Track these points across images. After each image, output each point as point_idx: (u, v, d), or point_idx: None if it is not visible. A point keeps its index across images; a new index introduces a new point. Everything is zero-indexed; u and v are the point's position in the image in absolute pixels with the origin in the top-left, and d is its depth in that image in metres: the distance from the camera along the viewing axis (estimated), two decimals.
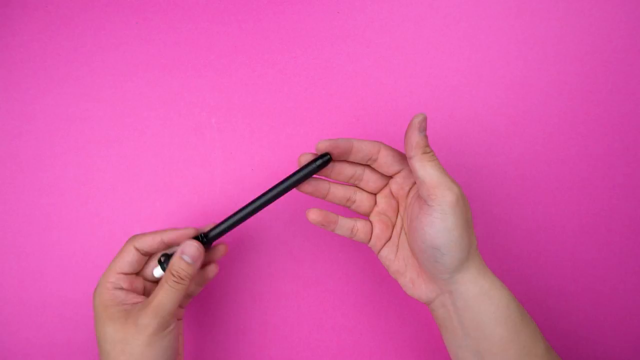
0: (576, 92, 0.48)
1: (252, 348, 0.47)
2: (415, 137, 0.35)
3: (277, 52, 0.48)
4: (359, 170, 0.40)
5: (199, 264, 0.37)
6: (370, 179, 0.40)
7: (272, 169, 0.48)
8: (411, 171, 0.37)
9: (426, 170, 0.34)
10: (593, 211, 0.47)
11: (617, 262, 0.47)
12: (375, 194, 0.42)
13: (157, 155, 0.48)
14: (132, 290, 0.38)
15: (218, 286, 0.47)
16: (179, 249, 0.37)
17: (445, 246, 0.34)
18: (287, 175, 0.38)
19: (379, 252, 0.41)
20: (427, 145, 0.35)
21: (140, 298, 0.38)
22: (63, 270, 0.47)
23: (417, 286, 0.39)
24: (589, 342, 0.46)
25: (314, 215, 0.39)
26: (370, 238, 0.41)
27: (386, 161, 0.38)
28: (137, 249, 0.38)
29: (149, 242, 0.38)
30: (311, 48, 0.48)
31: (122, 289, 0.37)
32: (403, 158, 0.39)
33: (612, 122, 0.47)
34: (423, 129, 0.35)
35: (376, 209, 0.41)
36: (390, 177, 0.40)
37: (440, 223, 0.34)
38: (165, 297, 0.36)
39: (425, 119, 0.35)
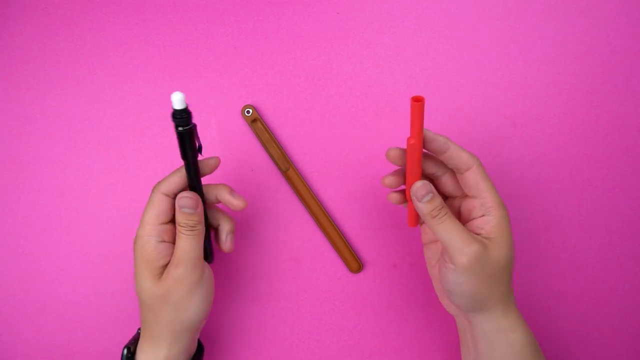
0: (576, 92, 0.48)
1: (251, 349, 0.47)
2: (419, 208, 0.36)
3: (277, 53, 0.48)
4: (440, 171, 0.39)
5: (199, 208, 0.37)
6: (447, 184, 0.40)
7: (272, 169, 0.48)
8: (485, 202, 0.37)
9: (438, 233, 0.36)
10: (593, 211, 0.47)
11: (617, 263, 0.47)
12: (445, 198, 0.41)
13: (157, 156, 0.48)
14: (174, 242, 0.38)
15: (218, 286, 0.47)
16: (176, 204, 0.37)
17: (457, 292, 0.36)
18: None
19: (424, 245, 0.42)
20: (434, 209, 0.36)
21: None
22: (63, 271, 0.47)
23: (444, 300, 0.41)
24: (589, 342, 0.46)
25: (392, 197, 0.40)
26: (423, 223, 0.42)
27: (467, 183, 0.38)
28: (166, 194, 0.38)
29: (173, 182, 0.38)
30: (311, 49, 0.48)
31: (164, 241, 0.38)
32: (486, 187, 0.37)
33: (612, 122, 0.47)
34: (420, 198, 0.36)
35: None
36: (464, 196, 0.40)
37: (453, 277, 0.36)
38: (186, 244, 0.37)
39: (420, 187, 0.36)
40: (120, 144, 0.48)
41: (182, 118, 0.33)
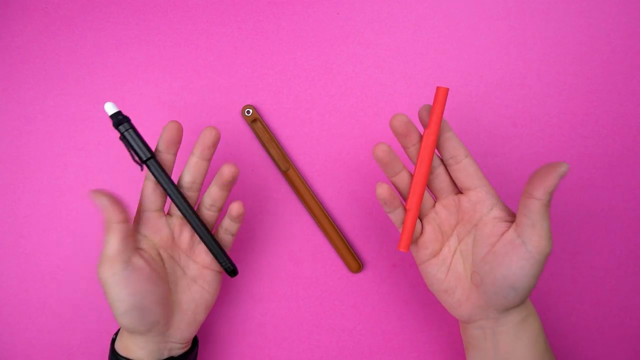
0: (576, 92, 0.48)
1: (251, 349, 0.47)
2: (553, 182, 0.33)
3: (277, 53, 0.48)
4: (436, 161, 0.37)
5: (118, 212, 0.35)
6: (440, 179, 0.38)
7: (272, 169, 0.48)
8: (488, 196, 0.36)
9: (544, 219, 0.34)
10: (593, 211, 0.47)
11: (617, 262, 0.47)
12: (434, 201, 0.39)
13: None
14: (152, 236, 0.38)
15: None
16: None
17: (524, 289, 0.35)
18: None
19: (423, 264, 0.39)
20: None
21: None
22: (63, 271, 0.47)
23: (462, 307, 0.38)
24: (589, 342, 0.46)
25: (382, 190, 0.37)
26: (418, 239, 0.39)
27: (467, 171, 0.36)
28: (147, 178, 0.38)
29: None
30: (311, 49, 0.48)
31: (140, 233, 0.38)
32: (483, 175, 0.37)
33: (612, 122, 0.47)
34: (561, 168, 0.33)
35: (433, 215, 0.38)
36: (459, 192, 0.38)
37: (531, 270, 0.34)
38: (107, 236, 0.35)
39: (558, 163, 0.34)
40: (120, 144, 0.48)
41: (116, 121, 0.36)
